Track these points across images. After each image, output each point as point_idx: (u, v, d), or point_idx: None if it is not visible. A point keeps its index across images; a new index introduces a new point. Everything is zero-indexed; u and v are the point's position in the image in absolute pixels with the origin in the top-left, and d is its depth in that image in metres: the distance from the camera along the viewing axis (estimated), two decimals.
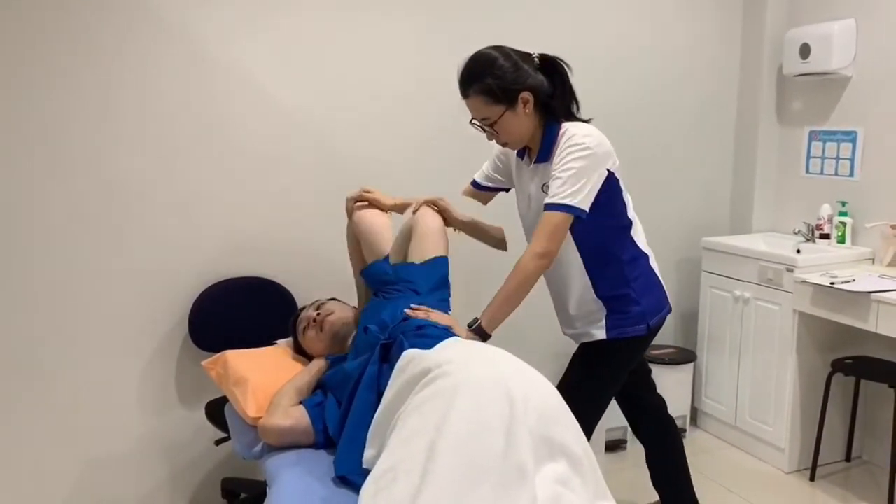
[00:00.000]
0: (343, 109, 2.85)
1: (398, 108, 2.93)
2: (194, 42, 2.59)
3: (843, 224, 3.21)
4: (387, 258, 2.13)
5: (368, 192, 2.24)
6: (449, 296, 2.09)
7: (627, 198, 2.10)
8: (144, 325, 2.64)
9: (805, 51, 3.23)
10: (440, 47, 2.94)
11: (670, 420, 2.42)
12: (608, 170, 1.96)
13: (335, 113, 2.84)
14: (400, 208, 2.25)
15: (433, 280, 2.04)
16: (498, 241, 2.34)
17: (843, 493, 2.97)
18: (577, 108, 2.04)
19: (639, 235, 2.15)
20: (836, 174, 3.33)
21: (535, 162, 2.06)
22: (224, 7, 2.61)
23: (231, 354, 2.13)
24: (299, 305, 2.51)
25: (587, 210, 1.91)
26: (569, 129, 1.96)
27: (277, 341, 2.33)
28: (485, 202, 2.36)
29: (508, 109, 1.93)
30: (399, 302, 1.96)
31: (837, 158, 3.32)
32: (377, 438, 1.61)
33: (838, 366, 2.97)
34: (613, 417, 2.85)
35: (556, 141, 1.96)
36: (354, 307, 2.23)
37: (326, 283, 2.72)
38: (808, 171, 3.47)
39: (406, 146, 2.96)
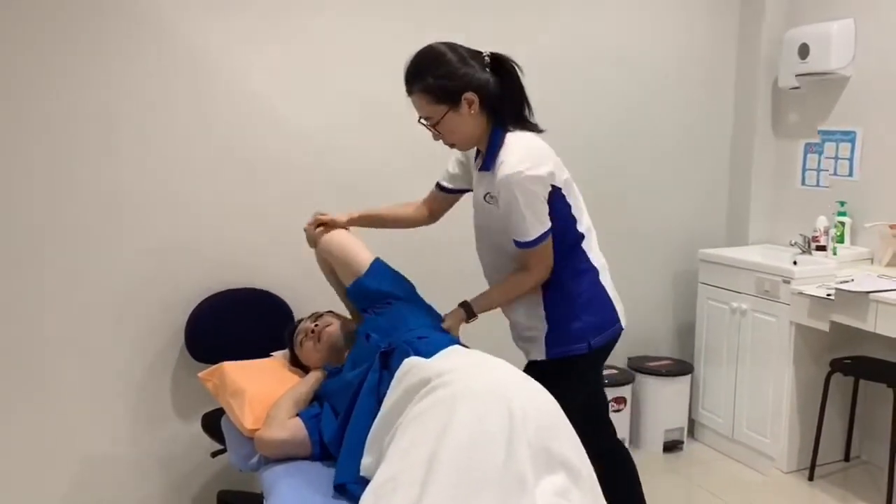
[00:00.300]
0: (343, 121, 2.84)
1: (398, 119, 2.92)
2: (197, 48, 2.58)
3: (842, 224, 3.21)
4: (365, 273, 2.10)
5: (323, 214, 2.20)
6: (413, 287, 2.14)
7: (579, 210, 1.99)
8: (141, 337, 2.63)
9: (804, 51, 3.22)
10: None
11: (626, 451, 2.32)
12: (552, 185, 1.87)
13: (335, 124, 2.83)
14: (357, 222, 2.22)
15: (399, 286, 2.08)
16: (404, 220, 2.27)
17: (842, 493, 2.97)
18: (530, 112, 1.94)
19: (591, 249, 2.04)
20: (835, 174, 3.33)
21: (479, 169, 1.96)
22: (225, 6, 2.60)
23: (228, 366, 2.13)
24: (296, 317, 2.50)
25: (549, 224, 1.88)
26: (507, 148, 1.86)
27: (273, 353, 2.32)
28: (447, 208, 2.26)
29: (451, 110, 1.84)
30: (392, 313, 1.97)
31: (836, 158, 3.32)
32: (375, 445, 1.62)
33: (837, 366, 2.97)
34: None
35: (496, 157, 1.87)
36: (351, 319, 2.22)
37: (323, 296, 2.70)
38: (803, 183, 3.47)
39: (406, 156, 2.94)
